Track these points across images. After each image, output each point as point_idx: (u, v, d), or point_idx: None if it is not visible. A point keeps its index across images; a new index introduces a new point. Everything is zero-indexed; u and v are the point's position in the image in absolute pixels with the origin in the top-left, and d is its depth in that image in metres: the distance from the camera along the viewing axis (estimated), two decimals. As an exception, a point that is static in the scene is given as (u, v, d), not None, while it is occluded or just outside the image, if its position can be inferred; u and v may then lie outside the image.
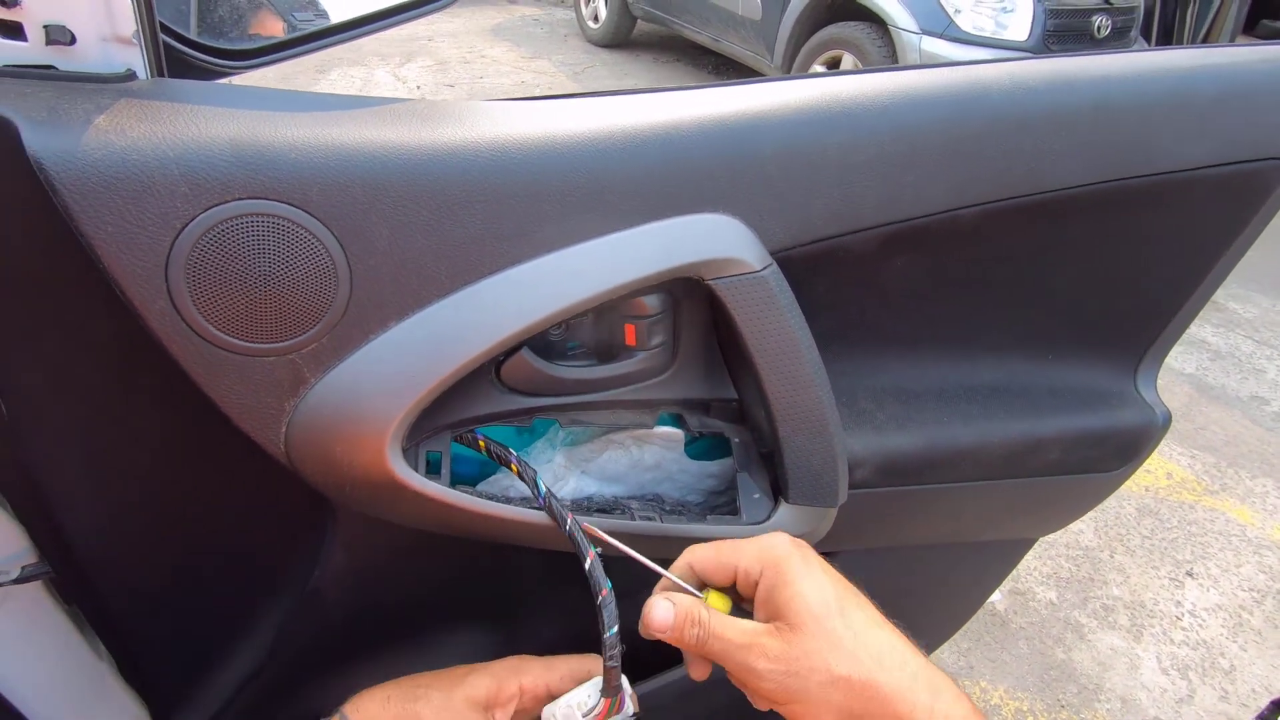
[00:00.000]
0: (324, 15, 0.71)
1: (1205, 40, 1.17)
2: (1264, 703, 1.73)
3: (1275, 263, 3.12)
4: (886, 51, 4.18)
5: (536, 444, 0.66)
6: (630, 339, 0.58)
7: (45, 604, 0.67)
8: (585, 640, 0.55)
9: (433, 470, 0.56)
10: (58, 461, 0.56)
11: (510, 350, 0.55)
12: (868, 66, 3.73)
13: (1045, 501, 0.79)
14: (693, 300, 0.59)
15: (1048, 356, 0.73)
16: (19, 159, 0.41)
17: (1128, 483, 0.79)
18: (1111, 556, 2.07)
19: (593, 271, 0.52)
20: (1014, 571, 0.98)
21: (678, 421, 0.66)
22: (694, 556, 0.52)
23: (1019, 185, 0.59)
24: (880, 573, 0.84)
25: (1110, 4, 4.04)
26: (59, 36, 0.45)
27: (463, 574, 0.72)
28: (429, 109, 0.53)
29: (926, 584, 0.90)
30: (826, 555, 0.79)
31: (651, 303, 0.57)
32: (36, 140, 0.41)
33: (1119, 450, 0.75)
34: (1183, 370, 2.84)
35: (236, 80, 0.62)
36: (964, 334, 0.71)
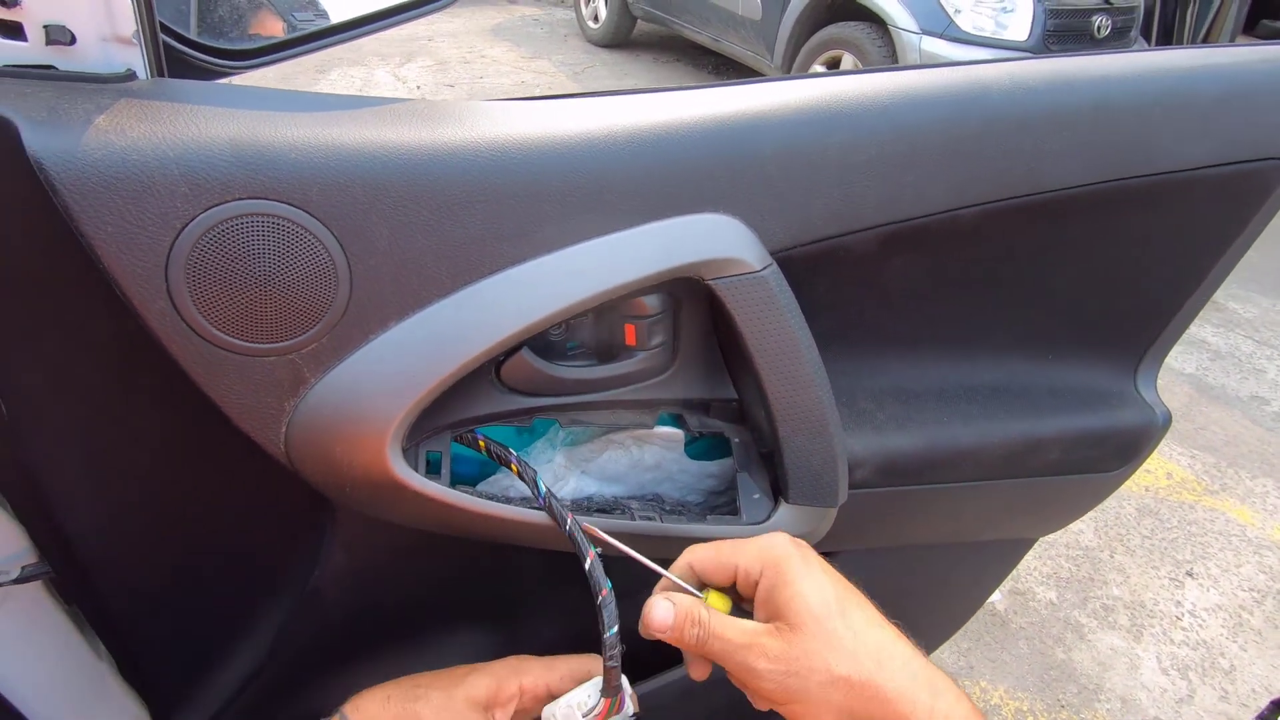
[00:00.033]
0: (324, 15, 0.71)
1: (1205, 40, 1.17)
2: (1264, 703, 1.73)
3: (1275, 263, 3.12)
4: (886, 51, 4.18)
5: (536, 444, 0.66)
6: (630, 339, 0.58)
7: (45, 604, 0.67)
8: (585, 640, 0.55)
9: (433, 470, 0.56)
10: (58, 461, 0.56)
11: (510, 350, 0.55)
12: (868, 66, 3.73)
13: (1045, 501, 0.79)
14: (693, 300, 0.59)
15: (1048, 356, 0.73)
16: (19, 159, 0.41)
17: (1127, 482, 0.79)
18: (1111, 556, 2.07)
19: (593, 271, 0.52)
20: (1014, 571, 0.98)
21: (678, 421, 0.66)
22: (694, 556, 0.52)
23: (1019, 185, 0.59)
24: (880, 573, 0.84)
25: (1110, 4, 4.04)
26: (59, 36, 0.45)
27: (463, 574, 0.72)
28: (429, 109, 0.53)
29: (927, 584, 0.90)
30: (826, 555, 0.79)
31: (651, 303, 0.57)
32: (36, 140, 0.41)
33: (1119, 450, 0.75)
34: (1183, 370, 2.84)
35: (236, 80, 0.62)
36: (964, 334, 0.71)
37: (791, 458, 0.59)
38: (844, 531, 0.66)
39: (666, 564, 0.53)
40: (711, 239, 0.54)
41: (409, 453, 0.54)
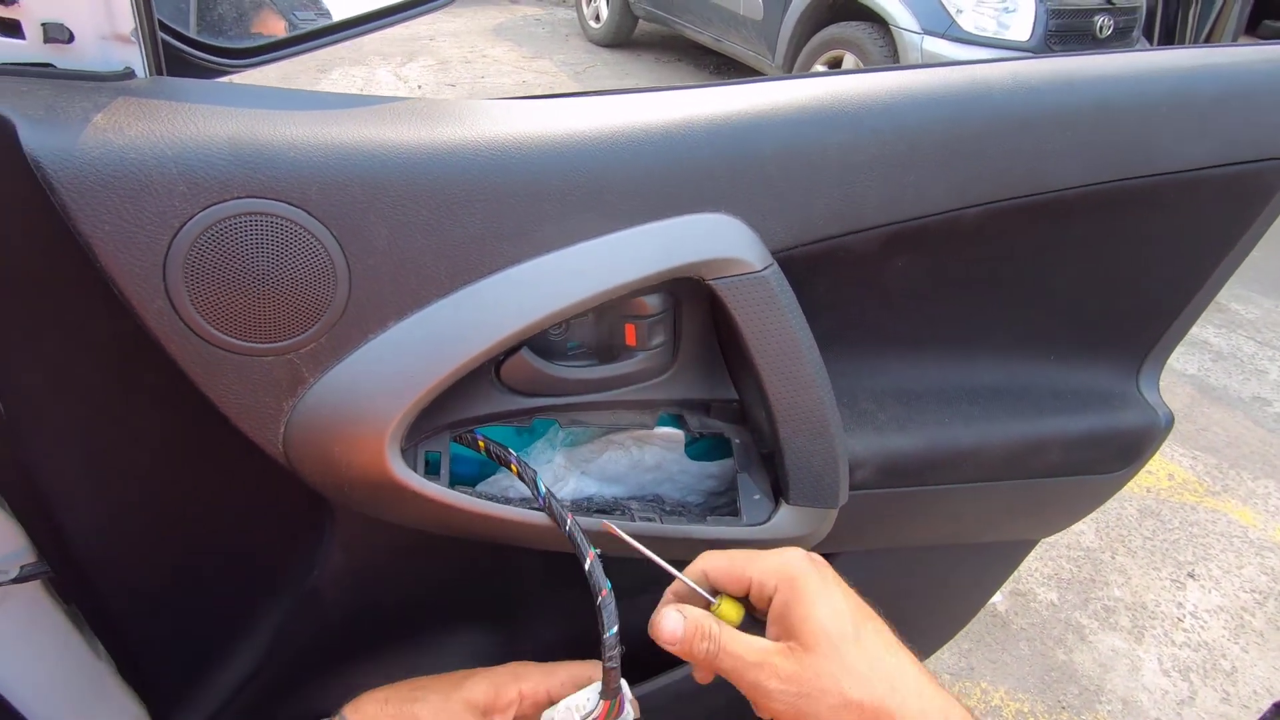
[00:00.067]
0: (325, 13, 0.70)
1: (1207, 40, 1.17)
2: (1265, 705, 1.72)
3: (1278, 263, 3.11)
4: (888, 51, 4.18)
5: (536, 444, 0.65)
6: (630, 339, 0.58)
7: (44, 603, 0.67)
8: (585, 641, 0.55)
9: (432, 470, 0.56)
10: (57, 461, 0.56)
11: (510, 350, 0.55)
12: (869, 66, 3.73)
13: (1046, 503, 0.79)
14: (693, 300, 0.59)
15: (1049, 357, 0.73)
16: (16, 157, 0.41)
17: (1129, 483, 0.79)
18: (1113, 558, 2.07)
19: (593, 271, 0.52)
20: (1015, 572, 0.98)
21: (678, 422, 0.65)
22: (708, 563, 0.51)
23: (1020, 185, 0.59)
24: (881, 574, 0.84)
25: (1112, 4, 4.04)
26: (57, 34, 0.45)
27: (462, 574, 0.72)
28: (428, 108, 0.53)
29: (927, 585, 0.90)
30: (827, 556, 0.79)
31: (652, 302, 0.57)
32: (34, 139, 0.41)
33: (1121, 452, 0.75)
34: (1185, 371, 2.84)
35: (235, 79, 0.62)
36: (965, 334, 0.70)
37: (792, 458, 0.59)
38: (845, 532, 0.66)
39: (676, 565, 0.52)
40: (712, 239, 0.54)
41: (408, 453, 0.54)
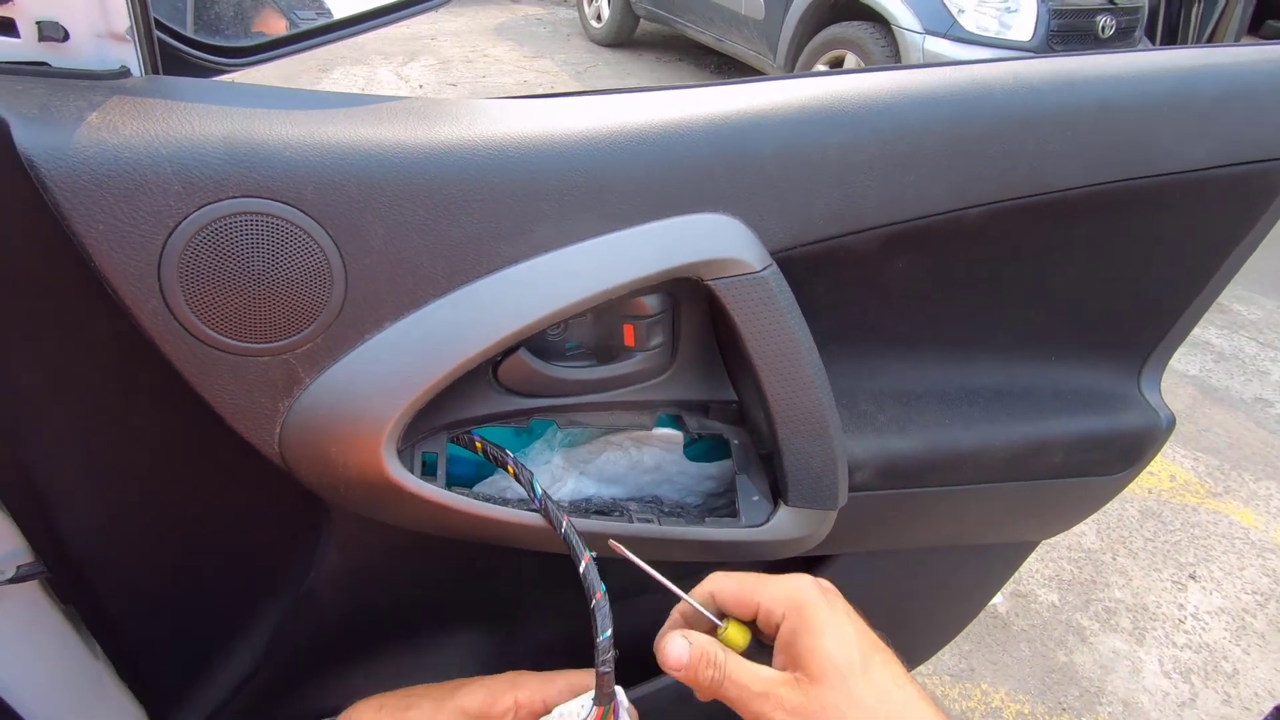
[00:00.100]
0: (325, 12, 0.70)
1: (1210, 40, 1.17)
2: (1267, 707, 1.72)
3: None
4: (890, 51, 4.17)
5: (534, 445, 0.65)
6: (629, 339, 0.58)
7: (42, 603, 0.67)
8: (583, 643, 0.55)
9: (429, 471, 0.55)
10: (53, 461, 0.56)
11: (507, 350, 0.54)
12: (870, 66, 3.72)
13: (1048, 504, 0.79)
14: (692, 301, 0.58)
15: (1050, 358, 0.73)
16: (10, 157, 0.41)
17: (1130, 485, 0.79)
18: (1114, 559, 2.07)
19: (591, 271, 0.52)
20: (1016, 574, 0.98)
21: (676, 423, 0.65)
22: (716, 586, 0.51)
23: (1022, 185, 0.59)
24: (882, 576, 0.84)
25: (1115, 4, 4.03)
26: (52, 33, 0.44)
27: (459, 575, 0.72)
28: (425, 107, 0.53)
29: (928, 587, 0.90)
30: (826, 558, 0.79)
31: (650, 303, 0.57)
32: (27, 138, 0.41)
33: (1122, 453, 0.74)
34: (1186, 372, 2.83)
35: (233, 78, 0.62)
36: (966, 335, 0.70)
37: (791, 460, 0.59)
38: (844, 534, 0.66)
39: (679, 580, 0.52)
40: (711, 239, 0.53)
41: (404, 454, 0.53)
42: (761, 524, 0.61)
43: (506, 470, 0.57)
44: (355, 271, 0.48)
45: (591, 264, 0.52)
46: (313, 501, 0.56)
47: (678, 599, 0.52)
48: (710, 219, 0.54)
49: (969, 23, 3.96)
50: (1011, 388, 0.71)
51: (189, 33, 0.58)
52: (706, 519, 0.61)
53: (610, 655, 0.49)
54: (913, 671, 1.10)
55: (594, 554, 0.52)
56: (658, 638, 0.50)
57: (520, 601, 0.78)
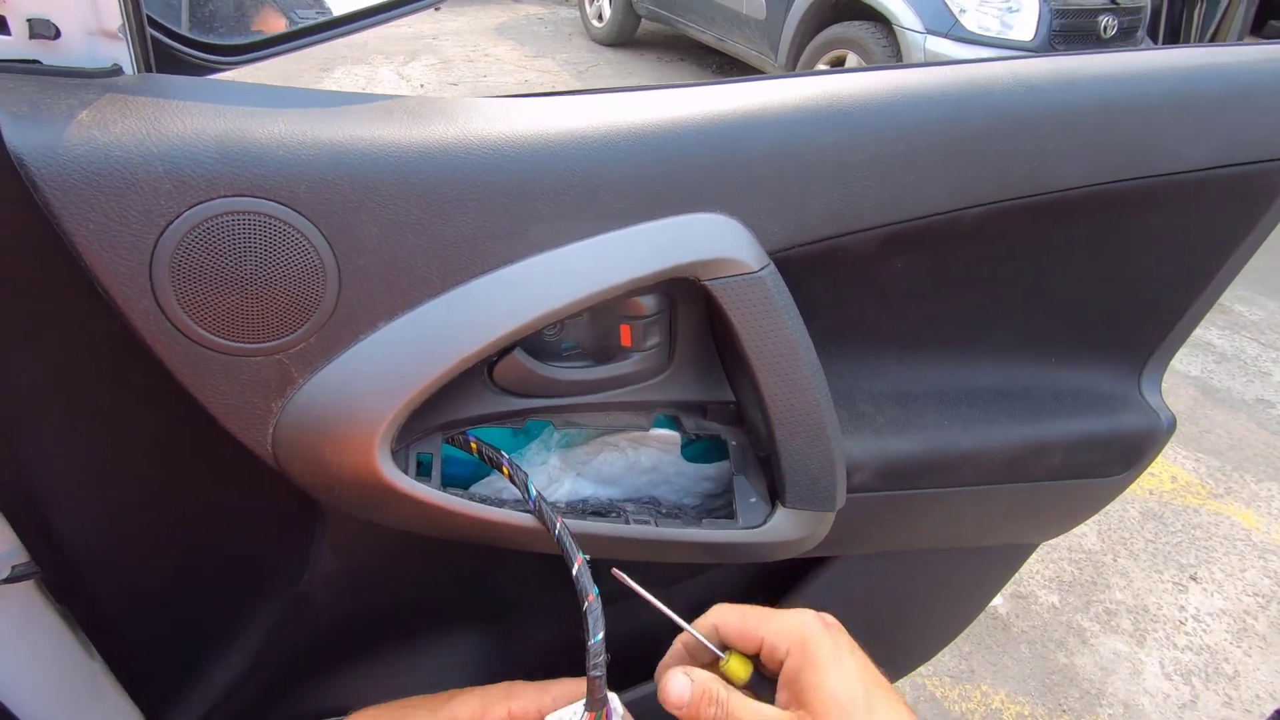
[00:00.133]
0: (324, 9, 0.70)
1: (1212, 40, 1.16)
2: (1268, 709, 1.71)
3: (1282, 265, 3.10)
4: (891, 51, 4.17)
5: (531, 445, 0.65)
6: (626, 340, 0.58)
7: (38, 603, 0.66)
8: (580, 644, 0.54)
9: (424, 472, 0.55)
10: (47, 461, 0.55)
11: (503, 351, 0.54)
12: (869, 65, 3.71)
13: (1047, 506, 0.78)
14: (689, 301, 0.58)
15: (1050, 359, 0.72)
16: (0, 155, 0.41)
17: (1131, 486, 0.78)
18: (1115, 560, 2.06)
19: (587, 271, 0.51)
20: (1016, 575, 0.97)
21: (674, 424, 0.65)
22: (720, 618, 0.50)
23: (1021, 185, 0.59)
24: (881, 578, 0.83)
25: (1117, 4, 4.03)
26: (43, 30, 0.44)
27: (454, 576, 0.71)
28: (420, 106, 0.53)
29: (928, 589, 0.89)
30: (824, 560, 0.79)
31: (647, 303, 0.56)
32: (17, 136, 0.40)
33: (1122, 455, 0.74)
34: (1188, 373, 2.83)
35: (231, 76, 0.61)
36: (965, 336, 0.70)
37: (789, 461, 0.58)
38: (843, 536, 0.65)
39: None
40: (708, 239, 0.53)
41: (399, 454, 0.53)
42: (759, 525, 0.60)
43: (501, 471, 0.56)
44: (349, 271, 0.47)
45: (587, 264, 0.51)
46: (306, 502, 0.55)
47: (676, 612, 0.51)
48: (707, 219, 0.53)
49: (970, 23, 3.96)
50: (1011, 389, 0.71)
51: (183, 30, 0.57)
52: (704, 520, 0.61)
53: (602, 659, 0.49)
54: (912, 673, 1.09)
55: (587, 556, 0.52)
56: (659, 669, 0.50)
57: (516, 602, 0.77)
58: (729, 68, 5.98)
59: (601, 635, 0.49)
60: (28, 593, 0.65)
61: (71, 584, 0.63)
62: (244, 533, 0.65)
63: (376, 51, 5.68)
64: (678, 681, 0.47)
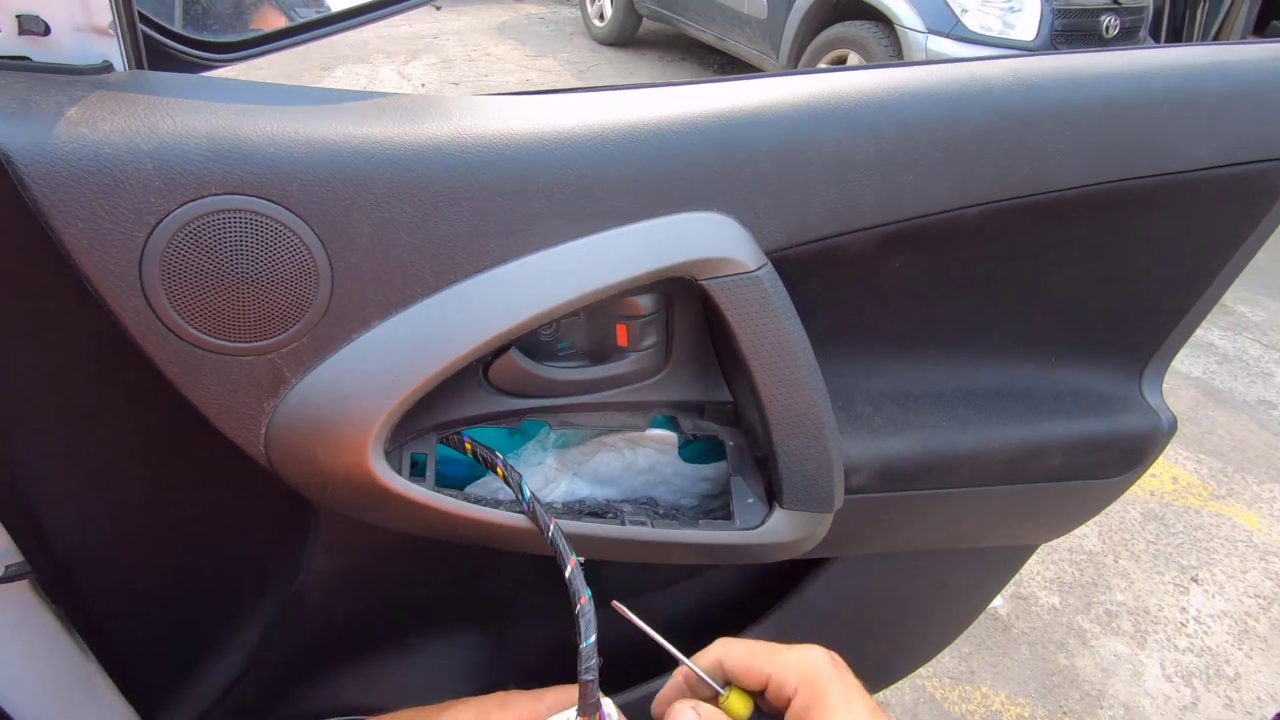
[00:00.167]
0: (321, 6, 0.69)
1: (1214, 41, 1.15)
2: (1269, 711, 1.71)
3: (1284, 265, 3.09)
4: (892, 51, 4.16)
5: (527, 446, 0.64)
6: (622, 339, 0.57)
7: (32, 603, 0.66)
8: (575, 646, 0.54)
9: (418, 473, 0.55)
10: (39, 461, 0.55)
11: (498, 350, 0.54)
12: (869, 64, 3.70)
13: (1047, 507, 0.78)
14: (686, 301, 0.58)
15: (1050, 360, 0.72)
16: None
17: (1132, 487, 0.78)
18: (1115, 561, 2.06)
19: (583, 270, 0.51)
20: (1016, 576, 0.97)
21: (671, 424, 0.64)
22: (725, 652, 0.49)
23: (1022, 185, 0.58)
24: (879, 579, 0.83)
25: (1119, 4, 4.02)
26: (32, 26, 0.44)
27: (449, 577, 0.71)
28: (414, 103, 0.52)
29: (927, 590, 0.89)
30: (823, 561, 0.78)
31: (644, 303, 0.56)
32: (4, 133, 0.40)
33: (1123, 456, 0.73)
34: (1189, 373, 2.82)
35: (231, 75, 0.61)
36: (964, 336, 0.69)
37: (786, 462, 0.58)
38: (841, 537, 0.65)
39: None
40: (705, 238, 0.53)
41: (392, 455, 0.53)
42: (756, 527, 0.60)
43: (495, 472, 0.56)
44: (341, 270, 0.47)
45: (583, 263, 0.51)
46: (300, 502, 0.55)
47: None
48: (704, 218, 0.53)
49: (972, 22, 3.95)
50: (1010, 389, 0.71)
51: (176, 27, 0.57)
52: (701, 521, 0.61)
53: (594, 663, 0.48)
54: (912, 674, 1.09)
55: (581, 559, 0.51)
56: (657, 702, 0.49)
57: (511, 603, 0.77)
58: (730, 67, 5.97)
59: (594, 639, 0.48)
60: (22, 593, 0.65)
61: (65, 584, 0.62)
62: (238, 533, 0.64)
63: (377, 51, 5.68)
64: (685, 717, 0.47)
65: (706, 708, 0.48)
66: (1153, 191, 0.61)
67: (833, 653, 0.49)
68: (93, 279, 0.43)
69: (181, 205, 0.43)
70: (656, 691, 0.52)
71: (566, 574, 0.50)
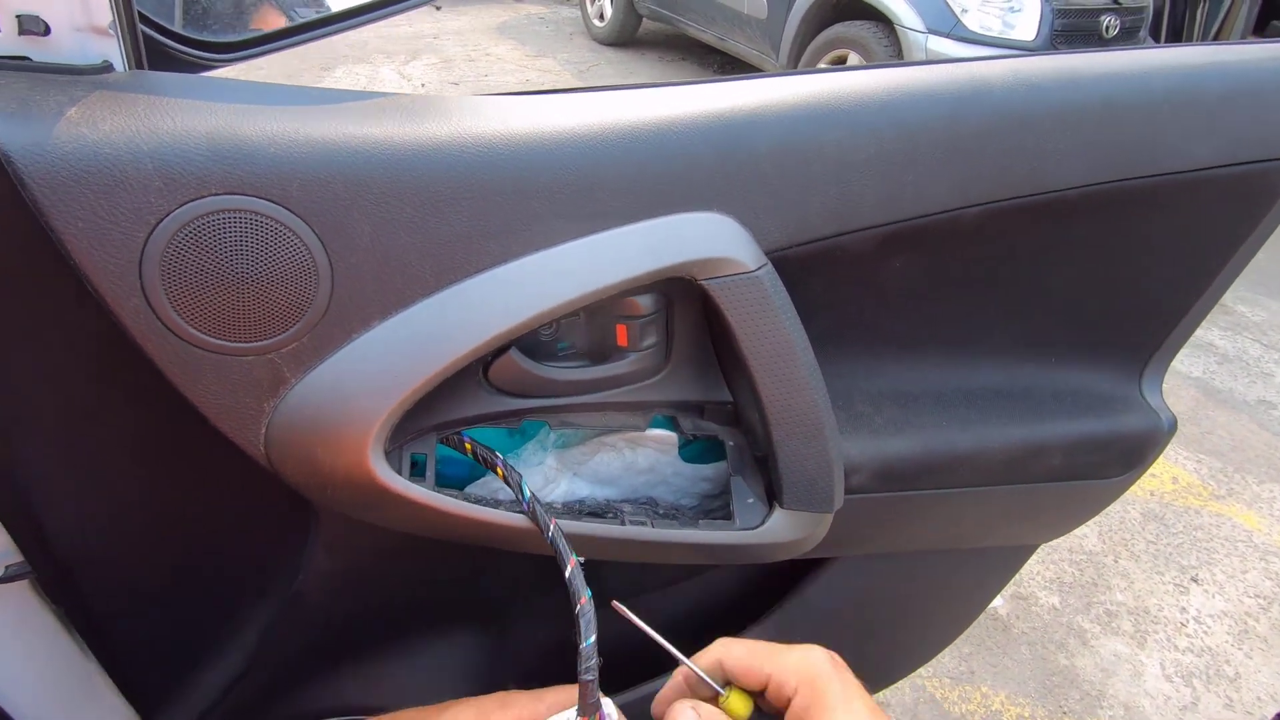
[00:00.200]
0: (321, 6, 0.69)
1: (1215, 41, 1.15)
2: (1269, 711, 1.71)
3: (1284, 266, 3.09)
4: (893, 51, 4.16)
5: (527, 446, 0.64)
6: (622, 339, 0.57)
7: (33, 603, 0.66)
8: (575, 646, 0.54)
9: (418, 473, 0.55)
10: (39, 460, 0.55)
11: (498, 350, 0.54)
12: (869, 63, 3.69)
13: (1047, 508, 0.78)
14: (686, 301, 0.58)
15: (1050, 360, 0.72)
16: None
17: (1132, 487, 0.78)
18: (1115, 561, 2.06)
19: (583, 270, 0.51)
20: (1016, 576, 0.97)
21: (671, 424, 0.64)
22: (727, 654, 0.49)
23: (1022, 185, 0.58)
24: (879, 579, 0.83)
25: (1119, 4, 4.02)
26: (32, 26, 0.44)
27: (450, 577, 0.71)
28: (414, 103, 0.52)
29: (927, 590, 0.89)
30: (823, 561, 0.78)
31: (644, 303, 0.56)
32: (4, 133, 0.40)
33: (1123, 456, 0.73)
34: (1189, 374, 2.82)
35: (232, 74, 0.61)
36: (964, 336, 0.69)
37: (786, 462, 0.58)
38: (841, 537, 0.65)
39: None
40: (705, 238, 0.53)
41: (392, 455, 0.53)
42: (756, 527, 0.60)
43: (495, 472, 0.56)
44: (341, 270, 0.47)
45: (583, 263, 0.51)
46: (300, 502, 0.55)
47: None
48: (704, 218, 0.53)
49: (972, 22, 3.95)
50: (1010, 389, 0.71)
51: (176, 27, 0.57)
52: (701, 521, 0.61)
53: (594, 662, 0.48)
54: (912, 674, 1.09)
55: (581, 559, 0.51)
56: (656, 702, 0.49)
57: (512, 603, 0.77)
58: (730, 67, 5.97)
59: (594, 639, 0.48)
60: (23, 593, 0.65)
61: (64, 584, 0.62)
62: (237, 533, 0.64)
63: (378, 51, 5.68)
64: (686, 716, 0.47)
65: (706, 708, 0.48)
66: (1153, 191, 0.61)
67: (833, 653, 0.49)
68: (93, 279, 0.43)
69: (181, 205, 0.43)
70: (656, 691, 0.52)
71: (566, 574, 0.50)
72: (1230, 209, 0.65)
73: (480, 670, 0.78)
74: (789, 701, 0.47)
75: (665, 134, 0.52)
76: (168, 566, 0.64)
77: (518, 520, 0.55)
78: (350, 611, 0.68)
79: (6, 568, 0.61)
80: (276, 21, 0.67)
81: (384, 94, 0.54)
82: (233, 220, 0.44)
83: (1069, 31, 3.96)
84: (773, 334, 0.54)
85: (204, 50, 0.58)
